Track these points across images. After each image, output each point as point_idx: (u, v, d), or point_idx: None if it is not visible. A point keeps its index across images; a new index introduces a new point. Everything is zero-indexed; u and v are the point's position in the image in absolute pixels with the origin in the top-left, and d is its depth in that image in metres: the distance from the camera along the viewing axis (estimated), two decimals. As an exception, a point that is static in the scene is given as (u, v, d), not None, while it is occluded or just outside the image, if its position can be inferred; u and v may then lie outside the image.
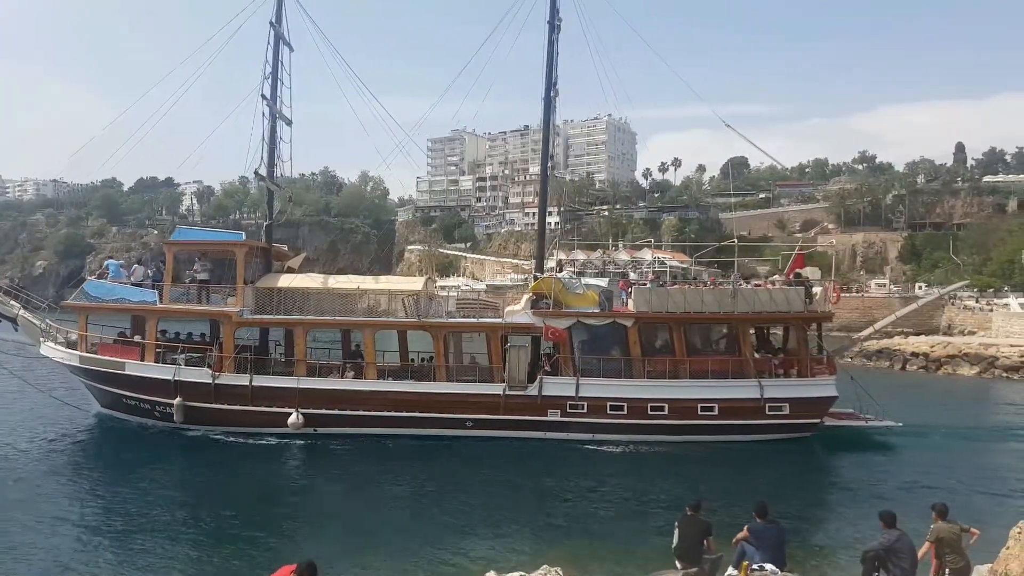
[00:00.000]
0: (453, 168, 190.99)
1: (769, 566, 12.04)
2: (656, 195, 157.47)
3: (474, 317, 28.83)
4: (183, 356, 28.05)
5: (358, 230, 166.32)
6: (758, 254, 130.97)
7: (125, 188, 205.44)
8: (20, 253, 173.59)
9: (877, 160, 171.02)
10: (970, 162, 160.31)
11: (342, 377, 27.80)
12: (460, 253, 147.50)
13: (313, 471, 24.19)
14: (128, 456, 25.44)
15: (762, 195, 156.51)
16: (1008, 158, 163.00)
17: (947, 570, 11.27)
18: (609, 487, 22.25)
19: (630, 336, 27.56)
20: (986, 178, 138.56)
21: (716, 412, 26.83)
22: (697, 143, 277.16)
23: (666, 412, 26.71)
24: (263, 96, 31.23)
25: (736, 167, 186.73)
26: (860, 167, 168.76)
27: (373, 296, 29.31)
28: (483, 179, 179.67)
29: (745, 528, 12.75)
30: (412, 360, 30.26)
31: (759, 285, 30.50)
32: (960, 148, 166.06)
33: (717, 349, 29.46)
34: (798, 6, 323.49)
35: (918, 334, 76.75)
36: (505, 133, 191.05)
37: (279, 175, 32.49)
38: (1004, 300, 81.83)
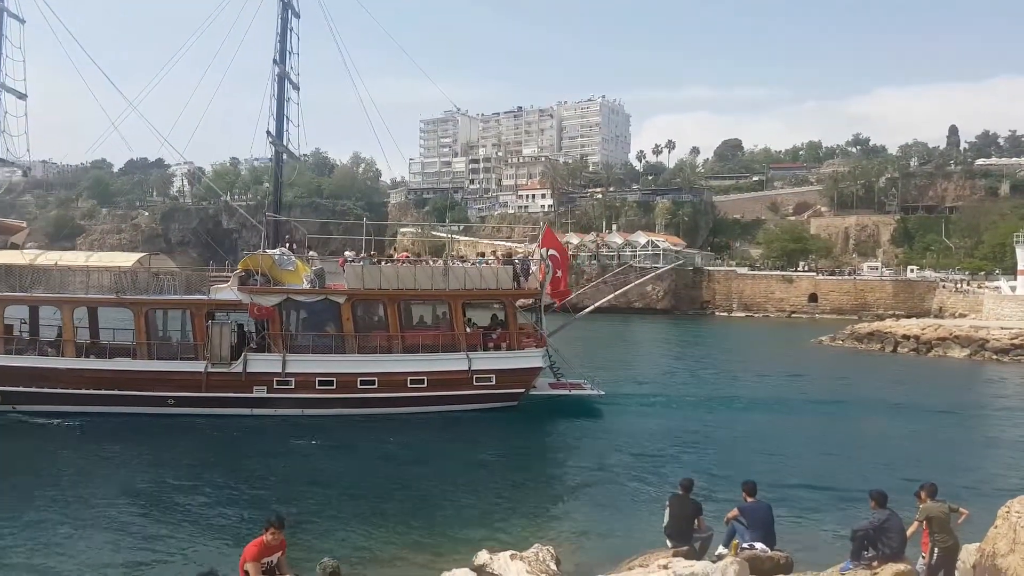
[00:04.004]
0: (446, 150, 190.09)
1: (759, 544, 12.10)
2: (650, 178, 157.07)
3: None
4: None
5: (350, 212, 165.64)
6: (750, 236, 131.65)
7: (115, 169, 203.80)
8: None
9: (871, 143, 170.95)
10: (963, 145, 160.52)
11: (38, 354, 27.42)
12: (453, 235, 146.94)
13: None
14: None
15: (756, 178, 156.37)
16: (1001, 141, 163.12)
17: (936, 549, 11.33)
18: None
19: (343, 313, 28.00)
20: (979, 161, 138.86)
21: (425, 384, 27.80)
22: (694, 124, 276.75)
23: (376, 385, 27.46)
24: None
25: (730, 149, 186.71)
26: (854, 150, 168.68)
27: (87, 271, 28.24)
28: (476, 161, 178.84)
29: (735, 507, 12.81)
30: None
31: (471, 263, 31.43)
32: (953, 131, 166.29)
33: (434, 324, 30.25)
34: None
35: (909, 316, 77.10)
36: (498, 114, 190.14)
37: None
38: (995, 283, 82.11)
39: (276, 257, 29.31)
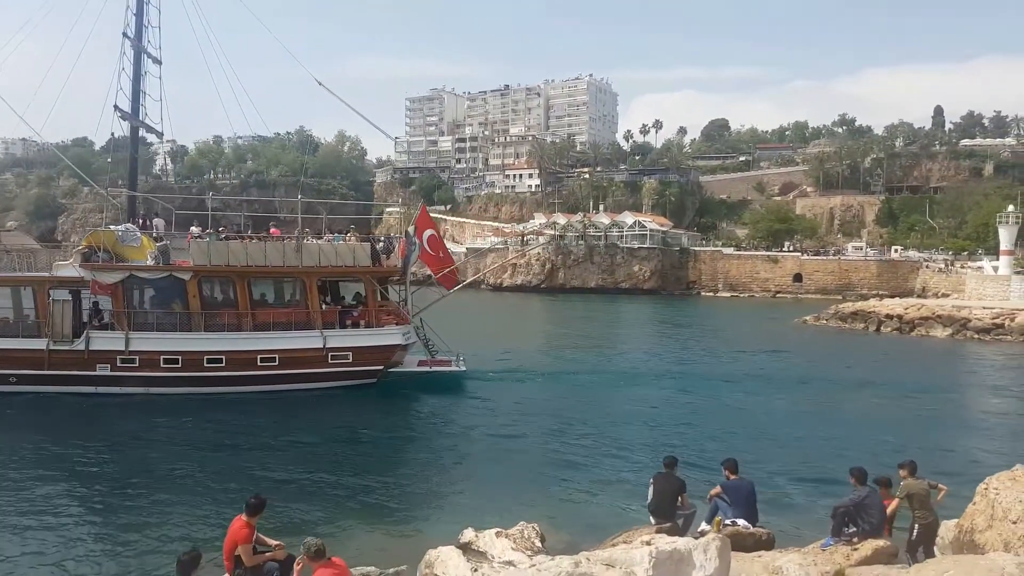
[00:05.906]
0: (432, 128, 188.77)
1: (741, 521, 12.21)
2: (637, 158, 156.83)
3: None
4: None
5: (335, 191, 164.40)
6: (737, 216, 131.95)
7: (96, 147, 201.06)
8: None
9: (857, 123, 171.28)
10: (948, 126, 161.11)
11: None
12: (439, 216, 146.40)
13: None
14: None
15: (742, 158, 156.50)
16: (986, 122, 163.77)
17: (916, 525, 11.46)
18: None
19: (189, 289, 27.64)
20: (963, 142, 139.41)
21: (277, 362, 27.53)
22: (681, 104, 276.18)
23: (224, 364, 27.14)
24: None
25: (717, 129, 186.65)
26: (840, 130, 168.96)
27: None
28: (463, 140, 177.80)
29: (718, 485, 12.90)
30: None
31: (328, 239, 31.10)
32: (939, 111, 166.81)
33: (289, 302, 30.09)
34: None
35: (893, 296, 77.71)
36: (485, 93, 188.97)
37: None
38: (978, 263, 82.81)
39: (119, 233, 28.60)
